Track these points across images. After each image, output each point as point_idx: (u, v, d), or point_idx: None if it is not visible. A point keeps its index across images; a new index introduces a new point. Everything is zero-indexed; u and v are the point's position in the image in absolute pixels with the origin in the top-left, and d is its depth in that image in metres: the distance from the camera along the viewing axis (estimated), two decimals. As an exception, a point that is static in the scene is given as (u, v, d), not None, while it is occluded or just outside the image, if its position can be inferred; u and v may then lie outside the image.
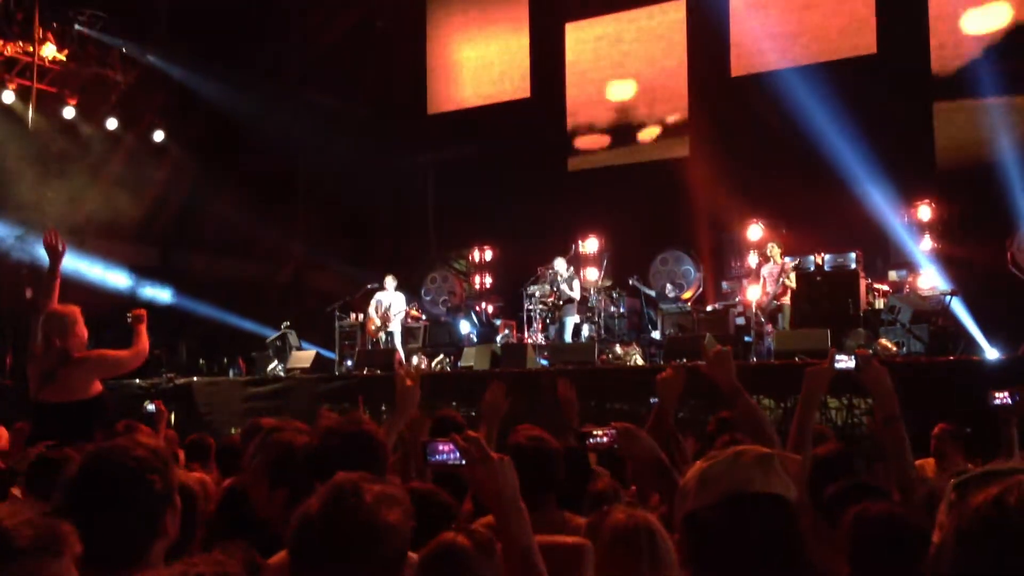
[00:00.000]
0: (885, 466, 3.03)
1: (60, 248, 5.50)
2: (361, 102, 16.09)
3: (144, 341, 5.62)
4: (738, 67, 14.93)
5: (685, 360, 10.43)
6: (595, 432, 3.02)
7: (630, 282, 13.70)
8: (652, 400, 4.54)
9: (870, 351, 9.21)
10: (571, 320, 12.87)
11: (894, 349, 10.01)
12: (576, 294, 12.89)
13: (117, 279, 14.65)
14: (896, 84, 13.18)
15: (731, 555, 1.66)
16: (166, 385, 12.45)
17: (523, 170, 15.91)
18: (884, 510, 2.47)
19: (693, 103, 15.44)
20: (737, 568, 1.66)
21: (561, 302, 12.95)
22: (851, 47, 13.87)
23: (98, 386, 5.42)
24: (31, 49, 13.90)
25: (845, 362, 3.08)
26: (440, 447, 1.93)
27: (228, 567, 1.70)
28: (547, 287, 13.38)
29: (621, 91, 16.24)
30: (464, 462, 1.90)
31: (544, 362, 11.79)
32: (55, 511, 1.89)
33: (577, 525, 3.07)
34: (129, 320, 5.68)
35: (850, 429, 8.63)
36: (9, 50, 13.80)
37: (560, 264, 13.09)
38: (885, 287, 12.18)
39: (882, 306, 11.60)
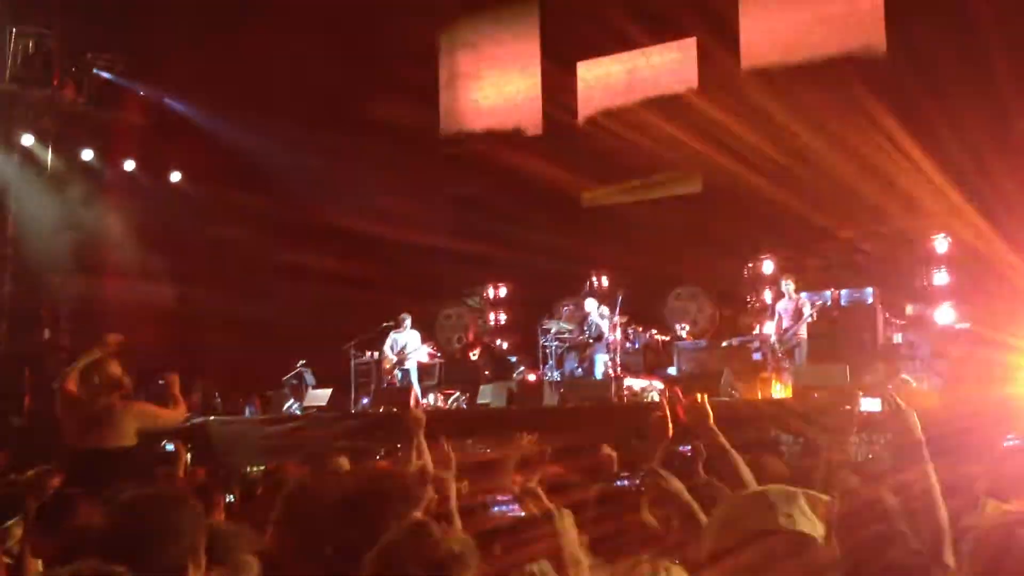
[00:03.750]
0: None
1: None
2: (378, 139, 16.19)
3: (181, 404, 5.80)
4: (750, 102, 14.96)
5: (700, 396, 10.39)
6: (622, 474, 3.02)
7: (651, 334, 13.59)
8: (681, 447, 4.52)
9: (895, 395, 9.16)
10: (602, 358, 12.85)
11: (914, 384, 9.94)
12: (607, 331, 12.89)
13: None
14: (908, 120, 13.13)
15: None
16: (182, 425, 12.41)
17: (537, 206, 15.94)
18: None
19: (706, 139, 15.47)
20: None
21: (591, 340, 12.95)
22: (865, 86, 13.85)
23: (135, 439, 5.54)
24: (50, 93, 14.08)
25: (870, 404, 3.05)
26: (500, 499, 1.94)
27: None
28: (569, 325, 13.42)
29: (633, 127, 16.28)
30: (524, 514, 1.90)
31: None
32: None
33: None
34: (161, 383, 5.85)
35: (870, 464, 8.54)
36: (28, 93, 13.96)
37: (591, 304, 13.13)
38: (903, 321, 12.12)
39: (900, 340, 11.53)
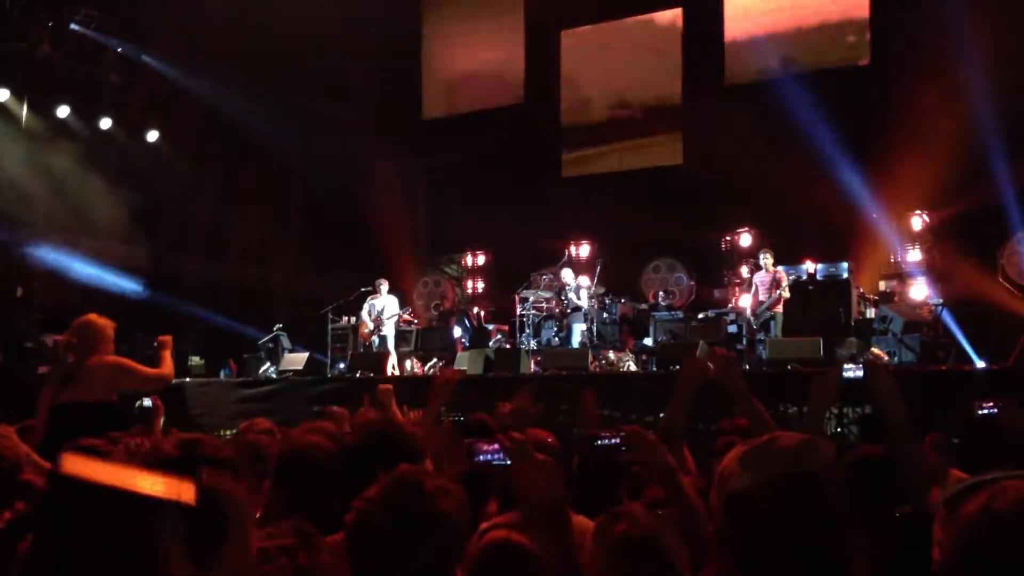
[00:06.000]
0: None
1: None
2: (356, 105, 16.08)
3: (169, 366, 5.69)
4: (732, 75, 15.01)
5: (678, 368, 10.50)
6: (603, 434, 3.05)
7: (621, 301, 13.67)
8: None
9: (883, 360, 9.30)
10: (579, 327, 12.92)
11: (886, 358, 10.07)
12: (584, 302, 12.94)
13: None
14: (887, 93, 13.24)
15: (778, 535, 1.63)
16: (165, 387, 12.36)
17: (517, 176, 15.95)
18: None
19: (687, 111, 15.52)
20: (782, 549, 1.64)
21: (569, 310, 13.03)
22: (845, 57, 13.96)
23: (114, 395, 5.48)
24: (26, 47, 13.87)
25: (853, 371, 3.09)
26: (485, 447, 1.96)
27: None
28: (547, 294, 13.48)
29: (615, 98, 16.30)
30: (509, 463, 1.92)
31: (536, 367, 11.83)
32: None
33: (583, 528, 3.06)
34: (155, 345, 5.79)
35: (840, 438, 8.66)
36: (4, 48, 13.74)
37: (568, 275, 13.17)
38: (876, 297, 12.26)
39: (874, 315, 11.67)
